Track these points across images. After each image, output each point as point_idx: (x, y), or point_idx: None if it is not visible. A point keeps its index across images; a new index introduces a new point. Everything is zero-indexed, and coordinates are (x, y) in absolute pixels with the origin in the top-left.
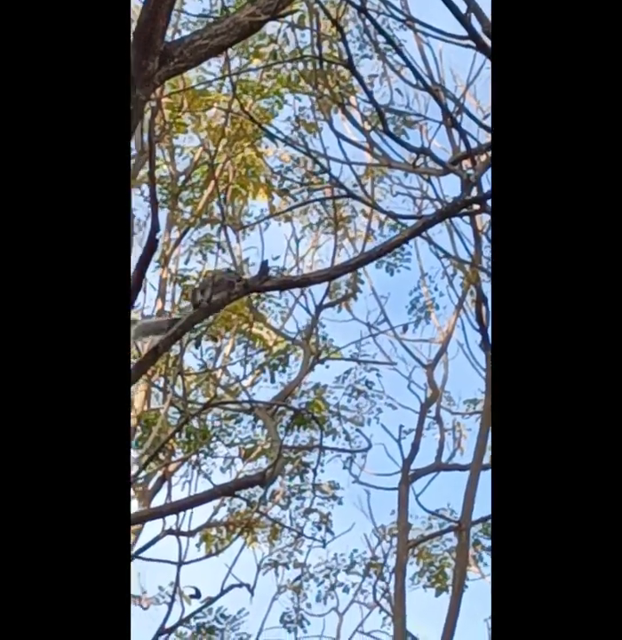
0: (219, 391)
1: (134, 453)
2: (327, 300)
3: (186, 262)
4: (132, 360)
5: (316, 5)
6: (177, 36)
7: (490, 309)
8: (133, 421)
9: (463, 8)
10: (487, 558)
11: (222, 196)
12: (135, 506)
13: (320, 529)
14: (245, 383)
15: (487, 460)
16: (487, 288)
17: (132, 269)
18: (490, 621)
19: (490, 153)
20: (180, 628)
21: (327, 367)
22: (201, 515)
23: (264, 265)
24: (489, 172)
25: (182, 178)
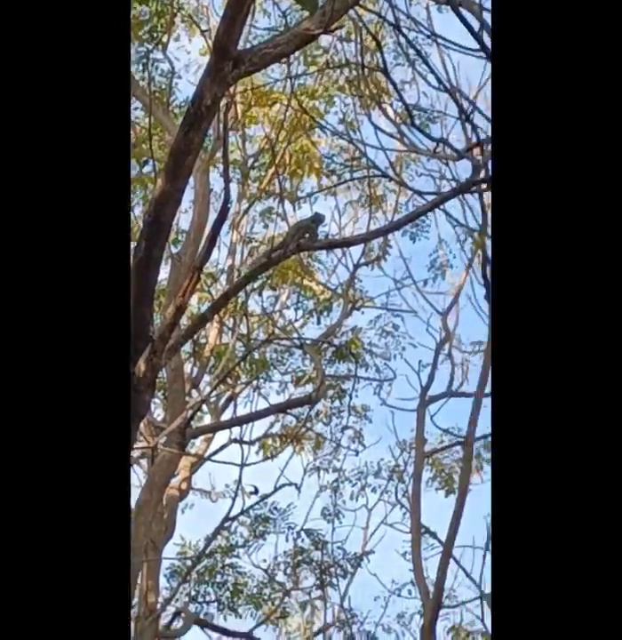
0: (277, 330)
1: (207, 378)
2: (363, 260)
3: (251, 228)
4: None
5: (360, 23)
6: (247, 45)
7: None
8: (207, 353)
9: (476, 25)
10: (487, 467)
11: (282, 176)
12: (207, 419)
13: (354, 442)
14: (297, 325)
15: (488, 388)
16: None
17: (207, 230)
18: (489, 518)
19: None
20: (242, 518)
21: (362, 313)
22: (260, 428)
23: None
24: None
25: (251, 160)
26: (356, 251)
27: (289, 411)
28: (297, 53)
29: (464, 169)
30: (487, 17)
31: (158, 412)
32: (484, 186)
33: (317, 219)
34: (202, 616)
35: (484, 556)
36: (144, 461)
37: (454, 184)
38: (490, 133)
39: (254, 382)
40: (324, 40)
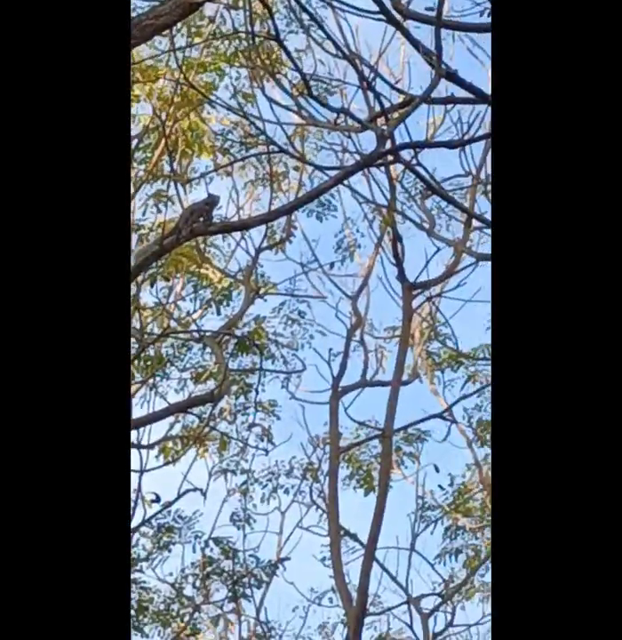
0: (173, 324)
1: None
2: (265, 244)
3: (143, 214)
4: None
5: None
6: None
7: (404, 246)
8: None
9: None
10: (408, 462)
11: (171, 155)
12: None
13: (263, 440)
14: (195, 316)
15: (405, 376)
16: (401, 228)
17: None
18: (412, 515)
19: (401, 110)
20: (143, 528)
21: (265, 301)
22: (159, 430)
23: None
24: (401, 126)
25: (135, 141)
26: (257, 234)
27: (190, 410)
28: (180, 24)
29: (368, 140)
30: None
31: None
32: (390, 157)
33: (211, 200)
34: None
35: (410, 557)
36: None
37: (358, 157)
38: (393, 101)
39: (150, 381)
40: (210, 9)
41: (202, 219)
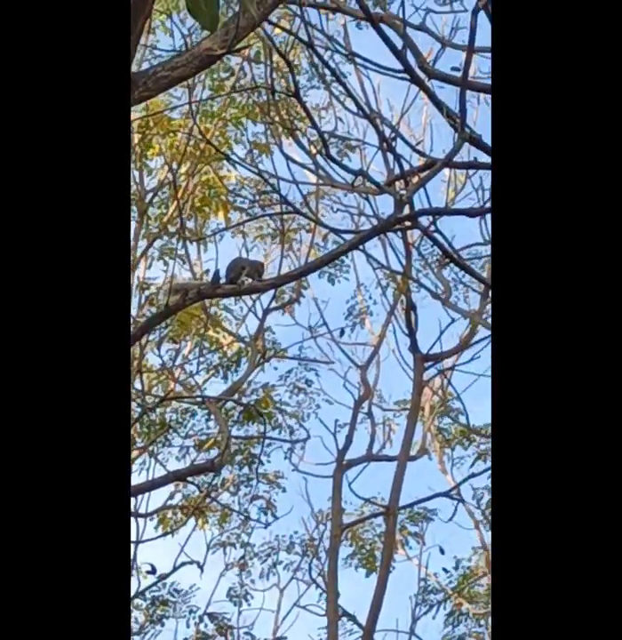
0: (178, 388)
1: None
2: (273, 305)
3: (149, 268)
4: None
5: (269, 42)
6: (145, 66)
7: (418, 316)
8: None
9: (399, 44)
10: (412, 542)
11: (182, 212)
12: None
13: (266, 514)
14: (199, 380)
15: (413, 452)
16: (416, 297)
17: None
18: (413, 598)
19: (421, 174)
20: (137, 601)
21: (275, 368)
22: (157, 499)
23: (216, 274)
24: (420, 191)
25: (150, 196)
26: (267, 294)
27: (190, 479)
28: (202, 76)
29: (385, 204)
30: (411, 35)
31: None
32: (408, 223)
33: (260, 265)
34: None
35: None
36: None
37: (374, 221)
38: (413, 164)
39: (151, 447)
40: (234, 61)
41: (250, 277)
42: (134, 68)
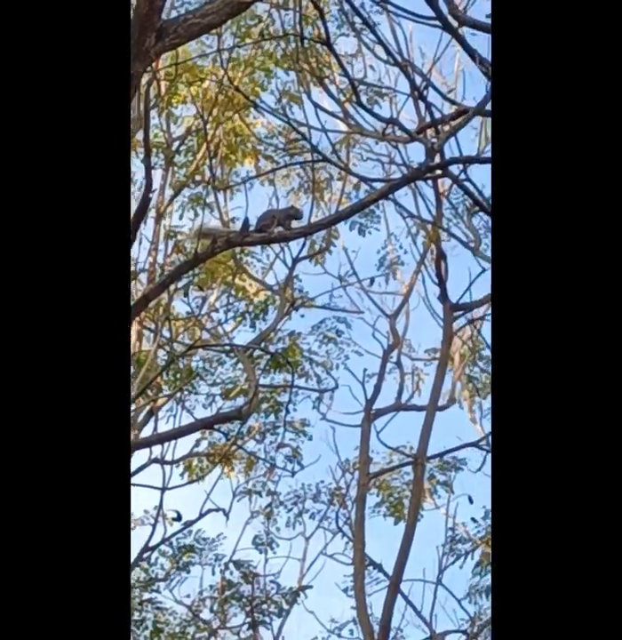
0: (205, 335)
1: None
2: (303, 254)
3: (180, 218)
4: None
5: None
6: (174, 14)
7: (448, 265)
8: None
9: None
10: (441, 491)
11: (212, 160)
12: None
13: (291, 462)
14: (228, 328)
15: (442, 401)
16: (446, 246)
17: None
18: (441, 548)
19: (453, 122)
20: (163, 547)
21: (302, 316)
22: (184, 446)
23: (245, 222)
24: (451, 140)
25: (177, 143)
26: (296, 245)
27: (217, 427)
28: (229, 23)
29: (416, 152)
30: None
31: None
32: (439, 172)
33: (295, 212)
34: None
35: (435, 591)
36: None
37: (405, 170)
38: (445, 112)
39: (178, 394)
40: (261, 8)
41: (281, 227)
42: (164, 17)
